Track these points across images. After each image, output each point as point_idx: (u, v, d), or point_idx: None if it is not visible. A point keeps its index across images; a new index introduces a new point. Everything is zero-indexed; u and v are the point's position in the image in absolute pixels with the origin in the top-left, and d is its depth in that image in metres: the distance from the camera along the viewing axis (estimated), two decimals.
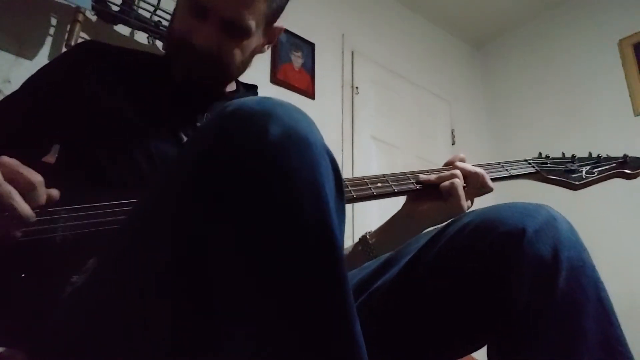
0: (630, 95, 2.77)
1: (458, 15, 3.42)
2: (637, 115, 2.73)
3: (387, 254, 0.71)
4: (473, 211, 0.63)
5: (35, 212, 0.56)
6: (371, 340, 0.63)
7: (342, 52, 2.84)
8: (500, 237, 0.56)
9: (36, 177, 0.57)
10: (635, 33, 2.85)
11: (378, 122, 2.85)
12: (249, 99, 0.47)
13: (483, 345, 0.62)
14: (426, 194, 0.82)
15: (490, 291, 0.56)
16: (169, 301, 0.47)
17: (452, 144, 3.21)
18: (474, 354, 0.69)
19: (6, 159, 0.57)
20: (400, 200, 0.86)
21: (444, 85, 3.36)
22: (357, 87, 2.80)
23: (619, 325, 0.54)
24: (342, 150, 2.59)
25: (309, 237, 0.42)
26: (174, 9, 0.81)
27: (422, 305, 0.62)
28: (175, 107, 0.80)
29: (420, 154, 2.95)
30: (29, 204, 0.56)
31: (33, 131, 0.78)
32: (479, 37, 3.65)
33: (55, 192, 0.60)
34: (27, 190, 0.56)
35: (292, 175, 0.43)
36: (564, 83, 3.12)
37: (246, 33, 0.78)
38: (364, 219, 2.44)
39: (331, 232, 0.43)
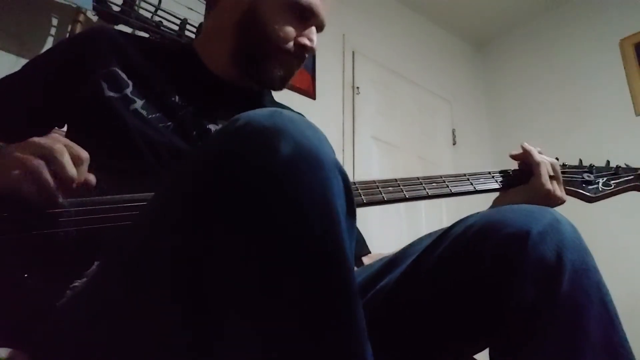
0: (631, 95, 2.77)
1: (459, 15, 3.42)
2: (639, 115, 2.73)
3: (391, 255, 0.71)
4: (477, 213, 0.63)
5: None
6: (374, 340, 0.63)
7: (343, 52, 2.84)
8: (504, 238, 0.56)
9: (85, 154, 0.58)
10: (636, 33, 2.84)
11: (379, 122, 2.85)
12: (259, 112, 0.46)
13: (485, 347, 0.62)
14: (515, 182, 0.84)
15: (494, 292, 0.56)
16: (172, 307, 0.47)
17: (453, 144, 3.21)
18: (476, 356, 0.69)
19: (57, 135, 0.59)
20: (402, 209, 0.85)
21: (445, 85, 3.36)
22: (357, 87, 2.80)
23: (622, 328, 0.54)
24: (343, 150, 2.59)
25: (319, 258, 0.42)
26: (260, 10, 0.80)
27: (425, 306, 0.62)
28: (187, 100, 0.79)
29: (421, 154, 2.95)
30: None
31: (30, 113, 0.77)
32: (480, 37, 3.65)
33: (92, 177, 0.60)
34: (74, 161, 0.57)
35: (302, 195, 0.42)
36: (565, 83, 3.12)
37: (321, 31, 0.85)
38: (365, 225, 2.44)
39: (342, 253, 0.42)
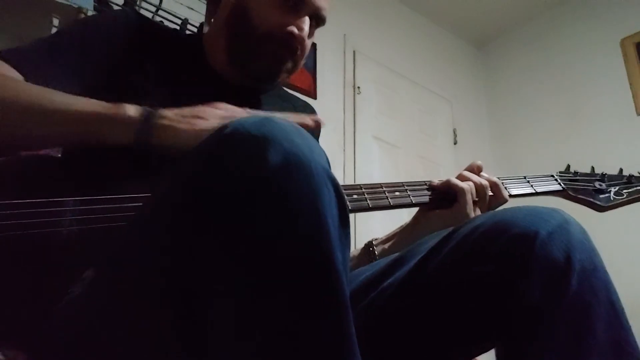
0: (632, 95, 2.78)
1: (460, 15, 3.42)
2: None
3: (397, 253, 0.70)
4: (485, 214, 0.63)
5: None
6: (378, 339, 0.63)
7: (344, 52, 2.84)
8: (513, 239, 0.56)
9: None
10: (638, 32, 2.85)
11: (380, 121, 2.85)
12: (248, 120, 0.46)
13: (492, 347, 0.62)
14: (441, 205, 0.79)
15: (501, 293, 0.56)
16: (166, 309, 0.47)
17: (454, 144, 3.21)
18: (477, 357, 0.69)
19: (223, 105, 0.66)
20: (409, 210, 0.84)
21: (445, 85, 3.36)
22: (358, 87, 2.80)
23: (630, 327, 0.54)
24: (344, 150, 2.59)
25: (309, 271, 0.41)
26: (249, 3, 0.78)
27: (431, 305, 0.62)
28: (192, 100, 0.79)
29: (422, 153, 2.95)
30: None
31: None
32: (480, 37, 3.65)
33: None
34: None
35: (291, 206, 0.41)
36: (566, 82, 3.12)
37: (323, 24, 0.81)
38: (365, 225, 2.43)
39: (332, 261, 0.41)
